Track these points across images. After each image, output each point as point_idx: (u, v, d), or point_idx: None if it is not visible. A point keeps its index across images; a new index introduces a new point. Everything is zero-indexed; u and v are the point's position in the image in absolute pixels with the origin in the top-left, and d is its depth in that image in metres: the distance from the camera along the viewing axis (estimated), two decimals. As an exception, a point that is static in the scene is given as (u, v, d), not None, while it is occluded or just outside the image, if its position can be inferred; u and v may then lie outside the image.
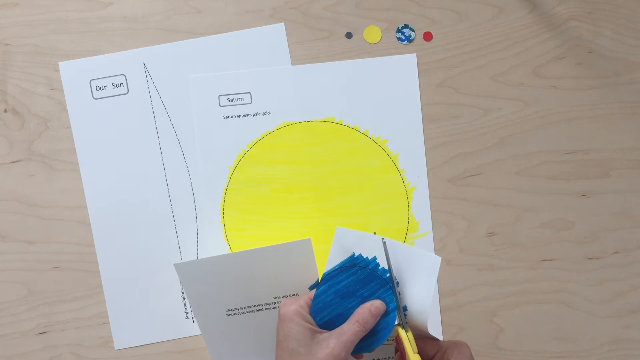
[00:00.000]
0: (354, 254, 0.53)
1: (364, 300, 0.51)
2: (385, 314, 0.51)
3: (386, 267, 0.52)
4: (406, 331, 0.50)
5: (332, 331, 0.49)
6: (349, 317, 0.50)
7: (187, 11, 0.63)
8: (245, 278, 0.56)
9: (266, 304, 0.57)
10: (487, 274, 0.62)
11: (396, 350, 0.53)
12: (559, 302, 0.62)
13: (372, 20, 0.63)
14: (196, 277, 0.56)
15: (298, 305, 0.50)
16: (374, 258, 0.52)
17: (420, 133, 0.63)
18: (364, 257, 0.52)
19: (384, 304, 0.51)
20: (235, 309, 0.57)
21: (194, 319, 0.61)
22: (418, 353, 0.50)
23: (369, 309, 0.50)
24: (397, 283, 0.52)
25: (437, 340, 0.52)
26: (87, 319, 0.61)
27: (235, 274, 0.56)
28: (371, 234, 0.53)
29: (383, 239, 0.52)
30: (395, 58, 0.63)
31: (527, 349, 0.62)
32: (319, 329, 0.50)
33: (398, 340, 0.51)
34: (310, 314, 0.51)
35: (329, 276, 0.52)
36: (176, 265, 0.56)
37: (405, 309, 0.52)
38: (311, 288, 0.56)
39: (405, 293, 0.51)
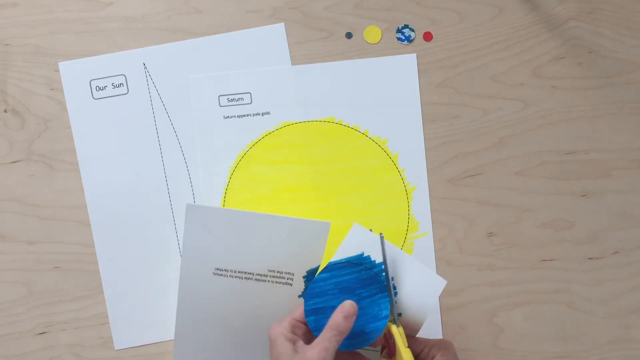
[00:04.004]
0: (362, 253, 0.53)
1: (360, 299, 0.52)
2: (378, 319, 0.51)
3: (390, 275, 0.53)
4: (397, 326, 0.51)
5: (312, 343, 0.49)
6: None
7: (187, 11, 0.63)
8: (250, 240, 0.56)
9: (257, 274, 0.56)
10: (487, 274, 0.62)
11: (383, 347, 0.54)
12: (559, 302, 0.62)
13: (372, 20, 0.63)
14: (203, 223, 0.55)
15: (282, 327, 0.51)
16: (381, 263, 0.53)
17: (420, 133, 0.63)
18: (372, 259, 0.53)
19: (354, 304, 0.50)
20: (225, 269, 0.56)
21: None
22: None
23: (341, 313, 0.50)
24: (396, 293, 0.53)
25: (423, 338, 0.53)
26: (87, 319, 0.61)
27: (243, 233, 0.55)
28: (386, 240, 0.53)
29: (381, 234, 0.53)
30: (395, 58, 0.63)
31: (527, 349, 0.62)
32: (301, 343, 0.50)
33: (388, 335, 0.52)
34: (304, 313, 0.52)
35: (334, 266, 0.53)
36: (188, 206, 0.55)
37: (399, 315, 0.52)
38: (309, 273, 0.56)
39: (402, 302, 0.53)
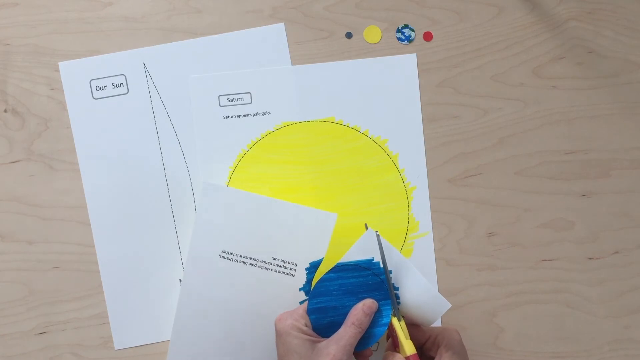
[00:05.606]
0: (372, 259, 0.53)
1: None
2: (378, 325, 0.52)
3: (396, 285, 0.53)
4: (399, 320, 0.52)
5: (331, 338, 0.50)
6: (342, 313, 0.52)
7: (187, 11, 0.63)
8: (259, 224, 0.57)
9: (262, 261, 0.57)
10: (487, 274, 0.62)
11: (388, 337, 0.54)
12: (559, 302, 0.62)
13: (372, 20, 0.63)
14: (217, 203, 0.57)
15: (293, 319, 0.51)
16: (389, 272, 0.53)
17: (420, 133, 0.63)
18: (381, 266, 0.53)
19: (375, 302, 0.52)
20: (232, 253, 0.57)
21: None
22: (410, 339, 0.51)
23: (362, 310, 0.51)
24: (399, 302, 0.53)
25: (428, 327, 0.54)
26: (87, 319, 0.61)
27: (253, 217, 0.57)
28: (396, 249, 0.54)
29: (377, 232, 0.53)
30: (395, 58, 0.63)
31: (527, 349, 0.62)
32: (318, 338, 0.50)
33: (390, 328, 0.52)
34: (307, 311, 0.52)
35: (341, 267, 0.53)
36: (205, 183, 0.57)
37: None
38: (312, 265, 0.57)
39: (403, 310, 0.53)
